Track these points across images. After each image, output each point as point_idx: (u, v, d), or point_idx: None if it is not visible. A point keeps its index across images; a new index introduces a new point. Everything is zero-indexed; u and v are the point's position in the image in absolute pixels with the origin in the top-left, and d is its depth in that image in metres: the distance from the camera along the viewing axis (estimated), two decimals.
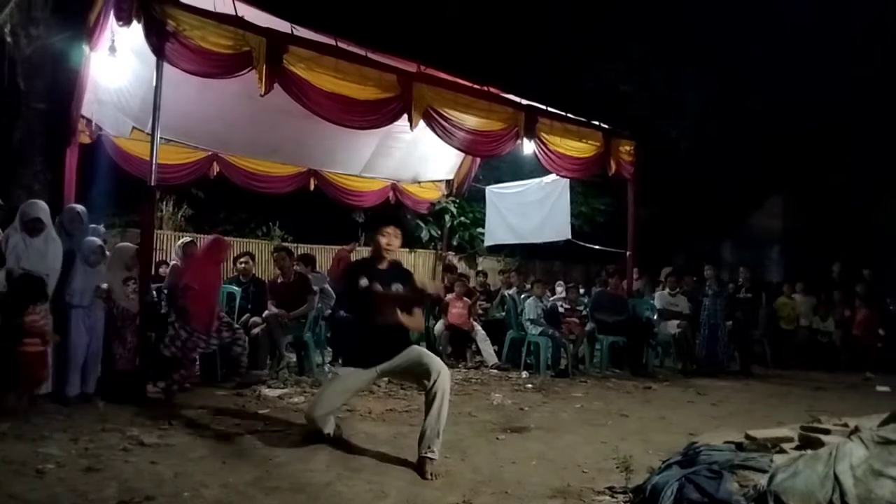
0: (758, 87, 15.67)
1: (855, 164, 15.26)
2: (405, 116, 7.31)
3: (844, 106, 14.54)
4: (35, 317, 4.82)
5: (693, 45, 15.22)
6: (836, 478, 2.73)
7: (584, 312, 8.95)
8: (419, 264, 14.21)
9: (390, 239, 4.26)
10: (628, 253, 9.99)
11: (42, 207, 5.29)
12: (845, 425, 3.36)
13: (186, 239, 6.81)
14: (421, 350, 4.28)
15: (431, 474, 3.75)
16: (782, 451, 3.15)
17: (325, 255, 13.29)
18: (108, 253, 5.75)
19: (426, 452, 3.84)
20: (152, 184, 6.03)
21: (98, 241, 5.61)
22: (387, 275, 4.20)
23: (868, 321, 10.09)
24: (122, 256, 5.73)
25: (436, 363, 4.09)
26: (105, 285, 5.47)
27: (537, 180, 10.58)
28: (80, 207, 5.96)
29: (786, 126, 15.28)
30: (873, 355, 9.79)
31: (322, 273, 9.79)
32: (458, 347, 8.76)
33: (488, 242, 12.28)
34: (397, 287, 4.15)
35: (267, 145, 9.23)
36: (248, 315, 7.48)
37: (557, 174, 9.57)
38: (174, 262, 6.43)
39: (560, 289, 10.21)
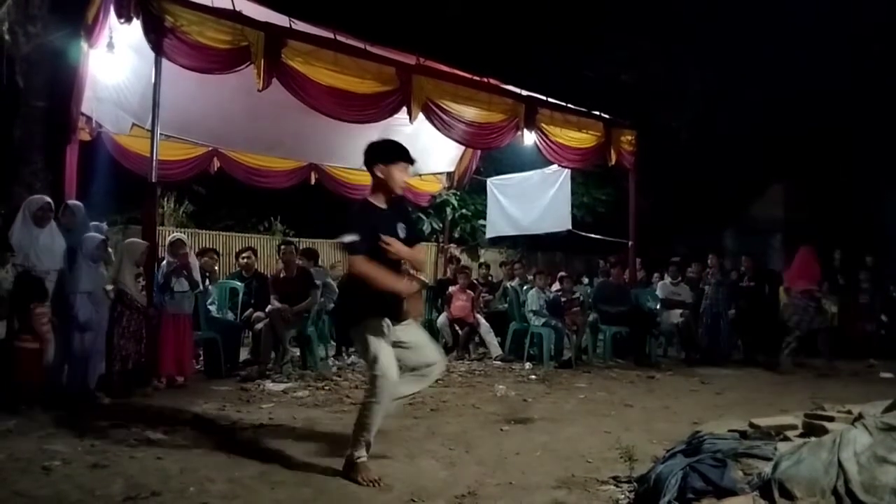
0: (758, 81, 15.60)
1: (856, 156, 15.20)
2: (404, 109, 7.30)
3: (845, 100, 14.45)
4: (40, 313, 4.84)
5: (694, 37, 15.14)
6: (841, 465, 2.73)
7: (582, 299, 8.97)
8: None
9: (406, 174, 3.67)
10: (630, 243, 9.99)
11: (47, 197, 5.34)
12: (849, 412, 3.36)
13: (176, 236, 6.75)
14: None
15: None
16: (786, 439, 3.16)
17: (326, 250, 13.30)
18: (110, 249, 5.76)
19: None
20: (153, 180, 6.05)
21: (100, 237, 5.63)
22: (392, 217, 3.65)
23: (868, 307, 10.05)
24: (133, 253, 5.73)
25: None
26: (110, 287, 5.47)
27: (538, 171, 10.57)
28: (72, 202, 5.99)
29: (786, 120, 15.21)
30: (875, 342, 9.78)
31: (324, 267, 9.81)
32: (461, 340, 8.77)
33: (489, 234, 12.28)
34: (401, 228, 3.64)
35: (267, 140, 9.22)
36: (251, 310, 7.52)
37: (558, 164, 9.57)
38: (165, 260, 6.38)
39: None
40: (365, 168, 3.68)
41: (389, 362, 3.49)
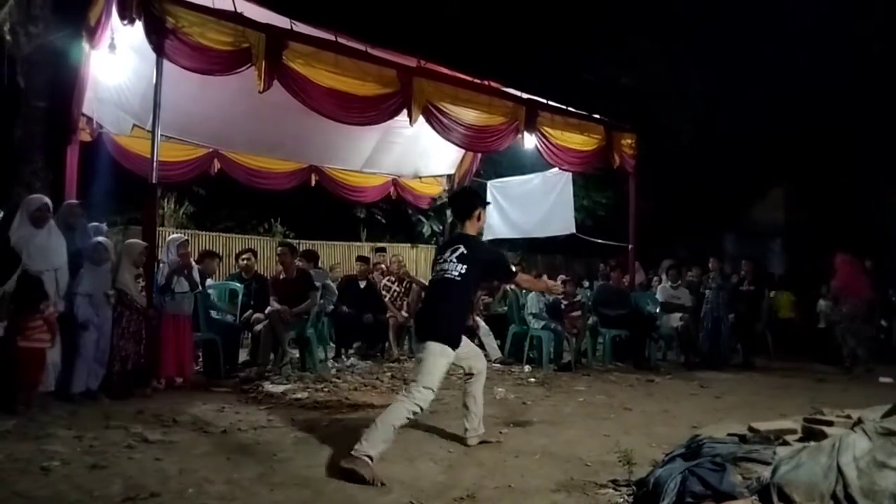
0: (758, 81, 15.61)
1: (856, 158, 15.20)
2: (405, 112, 7.30)
3: (845, 101, 14.45)
4: (50, 313, 4.85)
5: (694, 37, 15.15)
6: (840, 469, 2.73)
7: (583, 300, 8.96)
8: (421, 259, 14.23)
9: None
10: (630, 246, 9.99)
11: (46, 198, 5.33)
12: (848, 417, 3.36)
13: (179, 236, 6.71)
14: None
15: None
16: (785, 444, 3.15)
17: (326, 251, 13.31)
18: (110, 250, 5.75)
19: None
20: (153, 181, 6.04)
21: (100, 239, 5.62)
22: None
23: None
24: (131, 253, 5.73)
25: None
26: (112, 291, 5.46)
27: (539, 174, 10.56)
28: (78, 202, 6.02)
29: (787, 121, 15.21)
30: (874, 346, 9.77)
31: (324, 269, 9.80)
32: None
33: (488, 236, 12.26)
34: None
35: (268, 141, 9.21)
36: (250, 311, 7.51)
37: (559, 168, 9.56)
38: (165, 260, 6.35)
39: None
40: (466, 214, 4.21)
41: (439, 384, 3.96)
